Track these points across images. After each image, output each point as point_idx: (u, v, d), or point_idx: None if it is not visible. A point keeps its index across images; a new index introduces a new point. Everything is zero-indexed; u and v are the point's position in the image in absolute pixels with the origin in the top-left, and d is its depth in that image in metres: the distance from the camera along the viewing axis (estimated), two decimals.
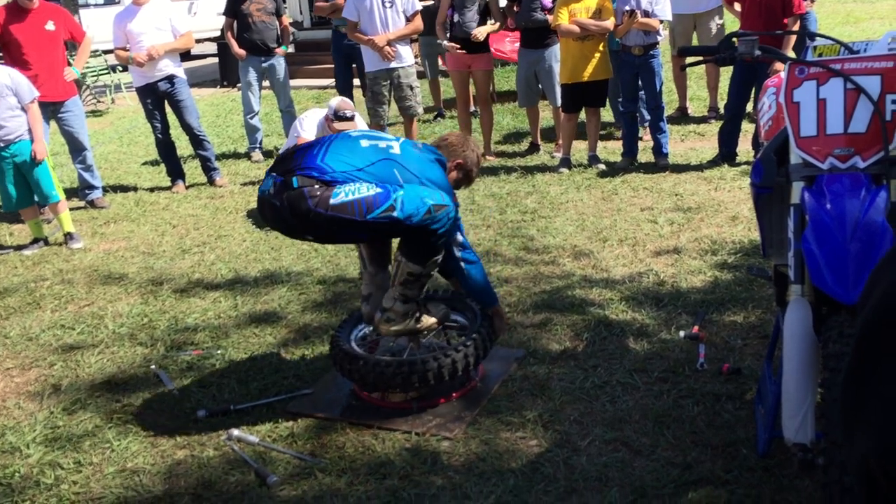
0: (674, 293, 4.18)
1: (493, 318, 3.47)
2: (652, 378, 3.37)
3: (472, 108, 8.31)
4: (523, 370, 3.54)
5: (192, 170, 7.63)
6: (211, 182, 7.28)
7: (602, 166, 6.71)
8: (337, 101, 5.65)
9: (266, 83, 8.20)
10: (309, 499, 2.74)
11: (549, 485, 2.74)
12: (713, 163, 6.49)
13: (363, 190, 2.98)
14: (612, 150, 7.25)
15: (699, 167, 6.47)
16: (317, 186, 2.98)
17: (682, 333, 3.71)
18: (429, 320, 3.38)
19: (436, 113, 9.51)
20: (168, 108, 7.06)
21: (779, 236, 2.61)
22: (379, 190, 2.99)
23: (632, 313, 4.00)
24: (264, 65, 7.96)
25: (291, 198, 2.98)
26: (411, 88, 7.01)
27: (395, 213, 2.97)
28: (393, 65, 6.86)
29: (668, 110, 8.22)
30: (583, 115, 6.99)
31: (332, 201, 2.95)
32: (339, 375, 3.43)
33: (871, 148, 2.27)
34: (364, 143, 3.18)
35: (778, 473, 2.65)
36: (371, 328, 3.54)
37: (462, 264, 3.40)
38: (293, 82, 9.09)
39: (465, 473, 2.83)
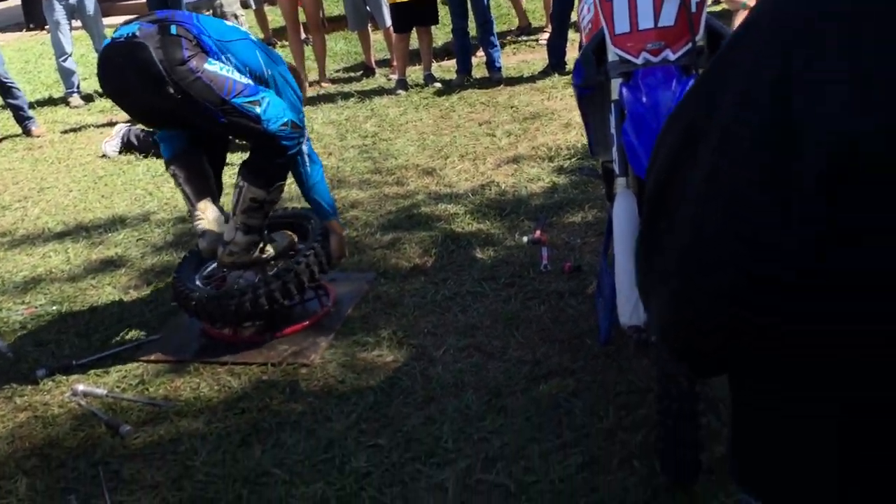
0: (515, 202, 4.29)
1: (330, 236, 3.34)
2: (500, 284, 3.47)
3: (304, 36, 8.07)
4: (375, 291, 3.56)
5: (4, 121, 7.05)
6: (27, 132, 6.75)
7: (438, 85, 6.71)
8: None
9: (77, 22, 7.62)
10: (166, 442, 2.68)
11: (407, 397, 2.80)
12: (545, 73, 6.62)
13: (235, 74, 2.93)
14: (447, 68, 7.26)
15: (532, 78, 6.59)
16: (194, 44, 2.88)
17: (525, 239, 3.82)
18: (275, 250, 3.32)
19: (266, 42, 9.16)
20: None
21: (603, 134, 2.71)
22: (248, 81, 2.95)
23: (477, 225, 4.09)
24: (72, 1, 7.38)
25: (166, 44, 2.82)
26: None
27: (258, 109, 2.91)
28: None
29: (507, 26, 8.30)
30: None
31: (206, 66, 2.85)
32: (188, 317, 3.34)
33: (679, 40, 2.37)
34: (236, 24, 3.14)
35: (618, 358, 2.81)
36: (216, 264, 3.44)
37: (300, 161, 3.21)
38: (107, 20, 8.47)
39: (324, 397, 2.85)
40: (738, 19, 5.03)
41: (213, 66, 2.88)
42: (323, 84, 7.23)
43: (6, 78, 6.59)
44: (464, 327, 3.18)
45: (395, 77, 6.98)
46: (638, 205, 2.33)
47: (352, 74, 7.61)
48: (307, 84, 7.12)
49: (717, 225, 0.83)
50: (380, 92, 6.82)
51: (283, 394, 2.89)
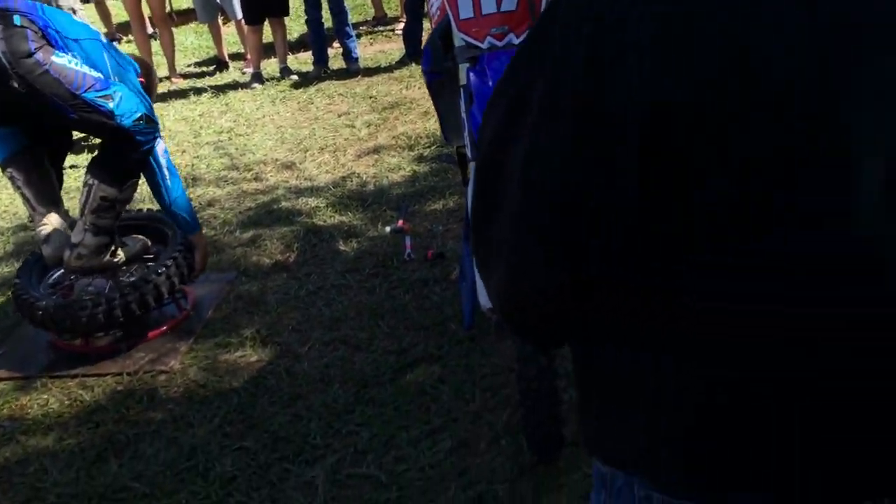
0: (377, 192, 4.27)
1: (194, 249, 3.22)
2: (364, 275, 3.45)
3: (151, 31, 7.73)
4: (236, 290, 3.46)
5: None
6: None
7: (295, 77, 6.59)
8: None
9: None
10: (12, 465, 2.51)
11: (273, 396, 2.73)
12: (402, 63, 6.62)
13: (84, 68, 2.77)
14: (303, 60, 7.13)
15: (389, 68, 6.57)
16: (40, 35, 2.70)
17: (387, 229, 3.80)
18: (126, 254, 3.16)
19: (110, 38, 8.73)
20: None
21: (455, 119, 2.73)
22: (99, 75, 2.81)
23: (339, 217, 4.04)
24: None
25: (9, 35, 2.64)
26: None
27: (111, 104, 2.78)
28: None
29: (363, 16, 8.23)
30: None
31: (54, 59, 2.68)
32: (32, 329, 3.13)
33: (522, 24, 2.41)
34: (76, 18, 2.93)
35: (482, 341, 2.85)
36: (62, 271, 3.24)
37: (160, 175, 3.06)
38: None
39: (185, 403, 2.74)
40: None
41: (62, 59, 2.72)
42: (174, 79, 6.96)
43: None
44: (329, 321, 3.14)
45: (249, 70, 6.80)
46: None
47: (204, 69, 7.35)
48: (157, 80, 6.85)
49: (542, 196, 0.84)
50: (234, 86, 6.63)
51: (141, 403, 2.76)
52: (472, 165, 2.43)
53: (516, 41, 2.39)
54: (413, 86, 6.07)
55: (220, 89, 6.55)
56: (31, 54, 2.66)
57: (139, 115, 2.86)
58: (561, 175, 0.82)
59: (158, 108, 6.17)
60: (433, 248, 3.55)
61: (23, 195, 3.03)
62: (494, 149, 0.88)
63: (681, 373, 0.86)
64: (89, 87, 2.75)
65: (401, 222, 3.83)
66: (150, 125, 2.93)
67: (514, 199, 0.86)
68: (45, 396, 2.85)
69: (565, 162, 0.82)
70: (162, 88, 6.78)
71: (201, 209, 4.27)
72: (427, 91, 5.71)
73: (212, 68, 7.29)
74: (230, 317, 3.27)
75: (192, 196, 4.42)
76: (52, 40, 2.76)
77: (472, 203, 0.94)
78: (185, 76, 7.11)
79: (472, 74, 2.36)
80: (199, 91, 6.54)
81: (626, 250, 0.84)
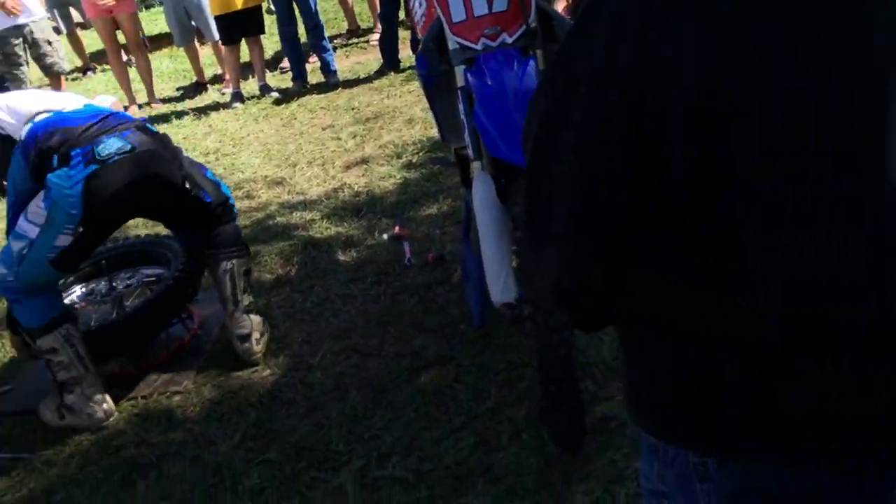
0: (370, 201, 4.29)
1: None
2: (367, 283, 3.47)
3: (126, 58, 7.72)
4: None
5: None
6: None
7: (275, 94, 6.61)
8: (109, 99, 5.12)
9: None
10: (38, 495, 2.51)
11: (290, 407, 2.75)
12: (380, 73, 6.65)
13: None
14: (281, 77, 7.15)
15: (368, 79, 6.60)
16: None
17: (385, 236, 3.83)
18: None
19: (84, 68, 8.72)
20: None
21: (453, 121, 2.76)
22: None
23: (335, 228, 4.06)
24: None
25: (164, 137, 2.84)
26: (49, 44, 6.34)
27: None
28: (21, 20, 6.13)
29: (336, 30, 8.25)
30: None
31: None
32: (41, 364, 3.13)
33: (514, 23, 2.45)
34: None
35: (494, 337, 2.88)
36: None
37: None
38: None
39: (203, 422, 2.76)
40: (561, 3, 5.25)
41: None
42: (153, 105, 6.96)
43: None
44: (337, 331, 3.16)
45: (228, 90, 6.82)
46: (496, 185, 2.39)
47: (183, 92, 7.36)
48: (136, 107, 6.85)
49: (594, 182, 0.88)
50: (216, 107, 6.64)
51: (160, 425, 2.77)
52: (474, 165, 2.47)
53: (510, 40, 2.43)
54: (393, 95, 6.10)
55: (202, 111, 6.56)
56: (178, 151, 2.92)
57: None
58: (609, 163, 0.86)
59: None
60: (433, 252, 3.58)
61: (77, 354, 2.82)
62: (539, 149, 0.92)
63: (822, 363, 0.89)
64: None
65: (397, 229, 3.86)
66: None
67: (563, 192, 0.90)
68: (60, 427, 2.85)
69: (614, 150, 0.86)
70: (143, 114, 6.78)
71: None
72: (411, 99, 5.77)
73: (191, 91, 7.29)
74: None
75: None
76: None
77: (525, 195, 0.97)
78: (165, 101, 7.11)
79: (469, 75, 2.40)
80: (180, 114, 6.55)
81: (675, 225, 0.88)
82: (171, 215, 3.03)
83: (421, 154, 4.80)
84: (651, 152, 0.84)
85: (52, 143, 2.63)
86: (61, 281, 3.05)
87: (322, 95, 6.41)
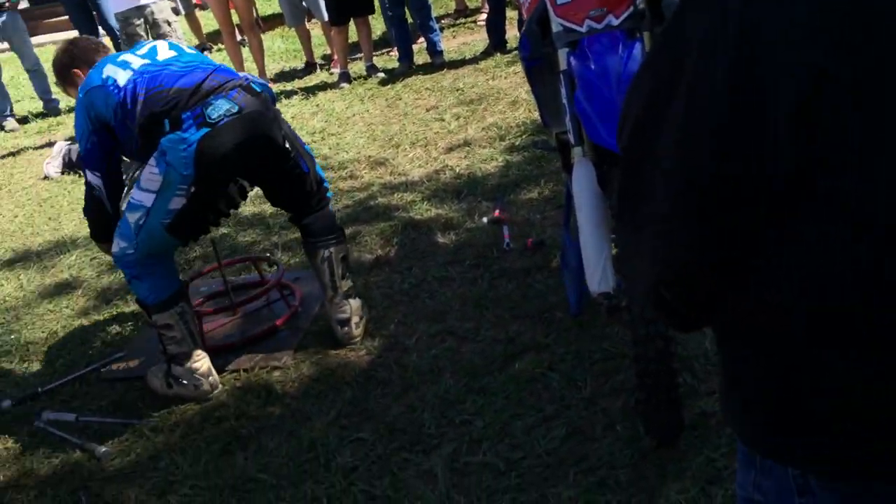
0: (471, 183, 4.28)
1: None
2: (465, 267, 3.47)
3: (240, 38, 7.95)
4: None
5: None
6: None
7: (381, 75, 6.67)
8: None
9: (4, 44, 7.41)
10: (144, 460, 2.63)
11: (385, 388, 2.78)
12: (486, 53, 6.62)
13: None
14: (388, 57, 7.21)
15: (474, 60, 6.58)
16: None
17: (485, 219, 3.82)
18: None
19: (201, 47, 9.03)
20: None
21: (555, 105, 2.71)
22: None
23: (435, 210, 4.07)
24: None
25: (265, 97, 2.85)
26: (169, 24, 6.56)
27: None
28: (143, 1, 6.38)
29: (444, 10, 8.26)
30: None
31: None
32: (151, 332, 3.27)
33: (621, 5, 2.37)
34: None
35: (591, 326, 2.83)
36: None
37: None
38: (34, 39, 8.27)
39: (301, 397, 2.82)
40: None
41: None
42: None
43: None
44: (434, 313, 3.17)
45: (336, 70, 6.92)
46: (597, 171, 2.34)
47: (293, 72, 7.52)
48: None
49: (695, 173, 0.83)
50: (323, 87, 6.75)
51: (259, 398, 2.85)
52: (575, 151, 2.42)
53: (616, 22, 2.36)
54: (499, 76, 6.06)
55: (310, 91, 6.69)
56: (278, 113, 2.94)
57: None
58: (714, 152, 0.81)
59: None
60: (532, 237, 3.54)
61: (189, 331, 2.92)
62: (641, 129, 0.88)
63: (846, 358, 0.84)
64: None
65: (497, 212, 3.84)
66: None
67: (666, 179, 0.86)
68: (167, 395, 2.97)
69: (719, 138, 0.81)
70: None
71: None
72: (517, 81, 5.71)
73: (300, 70, 7.45)
74: None
75: None
76: None
77: (619, 184, 0.93)
78: (274, 80, 7.28)
79: (572, 59, 2.35)
80: (289, 94, 6.69)
81: (782, 215, 0.82)
82: (271, 180, 3.00)
83: (524, 137, 4.75)
84: (758, 129, 0.78)
85: (162, 107, 2.67)
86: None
87: (427, 76, 6.42)
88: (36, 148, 6.62)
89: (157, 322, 2.85)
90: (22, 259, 4.47)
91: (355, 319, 3.03)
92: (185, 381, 2.86)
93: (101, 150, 2.84)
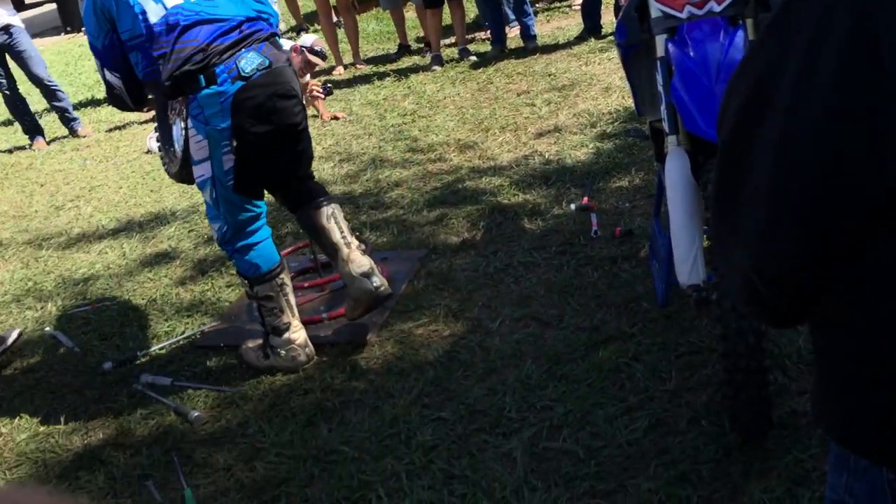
0: (560, 169, 4.26)
1: None
2: (551, 253, 3.46)
3: (336, 19, 8.07)
4: (426, 268, 3.57)
5: (51, 123, 7.20)
6: (73, 133, 6.88)
7: (473, 58, 6.67)
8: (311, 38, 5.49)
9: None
10: (234, 426, 2.73)
11: (467, 370, 2.80)
12: (580, 38, 6.54)
13: None
14: (481, 41, 7.20)
15: (568, 45, 6.52)
16: None
17: (573, 206, 3.79)
18: None
19: (298, 28, 9.20)
20: (11, 63, 6.57)
21: (650, 93, 2.67)
22: None
23: (523, 195, 4.07)
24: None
25: (283, 50, 2.93)
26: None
27: None
28: None
29: None
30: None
31: None
32: (243, 303, 3.38)
33: None
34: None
35: (678, 318, 2.79)
36: None
37: None
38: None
39: (384, 374, 2.87)
40: None
41: None
42: (358, 65, 7.24)
43: (50, 81, 6.71)
44: (518, 298, 3.18)
45: (429, 53, 6.96)
46: (691, 162, 2.29)
47: (386, 54, 7.60)
48: (342, 68, 7.17)
49: (800, 167, 0.81)
50: (415, 69, 6.80)
51: (344, 373, 2.92)
52: (669, 140, 2.38)
53: (718, 9, 2.30)
54: (593, 62, 5.99)
55: (402, 73, 6.74)
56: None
57: None
58: (821, 144, 0.79)
59: (345, 93, 6.47)
60: (621, 226, 3.50)
61: (287, 302, 3.02)
62: (743, 121, 0.86)
63: None
64: None
65: (586, 199, 3.81)
66: None
67: (767, 171, 0.84)
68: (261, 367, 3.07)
69: (826, 129, 0.79)
70: (347, 74, 7.09)
71: (389, 189, 4.44)
72: (610, 67, 5.63)
73: (393, 53, 7.52)
74: (422, 293, 3.37)
75: (379, 176, 4.62)
76: None
77: (716, 175, 0.92)
78: (368, 62, 7.37)
79: (670, 45, 2.30)
80: (382, 76, 6.77)
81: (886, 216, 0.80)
82: (291, 133, 2.93)
83: (616, 124, 4.69)
84: (872, 117, 0.76)
85: (197, 63, 2.68)
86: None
87: (519, 60, 6.40)
88: (140, 123, 6.89)
89: (259, 294, 2.94)
90: (125, 229, 4.68)
91: (376, 268, 3.02)
92: (282, 352, 2.94)
93: (119, 49, 2.86)
